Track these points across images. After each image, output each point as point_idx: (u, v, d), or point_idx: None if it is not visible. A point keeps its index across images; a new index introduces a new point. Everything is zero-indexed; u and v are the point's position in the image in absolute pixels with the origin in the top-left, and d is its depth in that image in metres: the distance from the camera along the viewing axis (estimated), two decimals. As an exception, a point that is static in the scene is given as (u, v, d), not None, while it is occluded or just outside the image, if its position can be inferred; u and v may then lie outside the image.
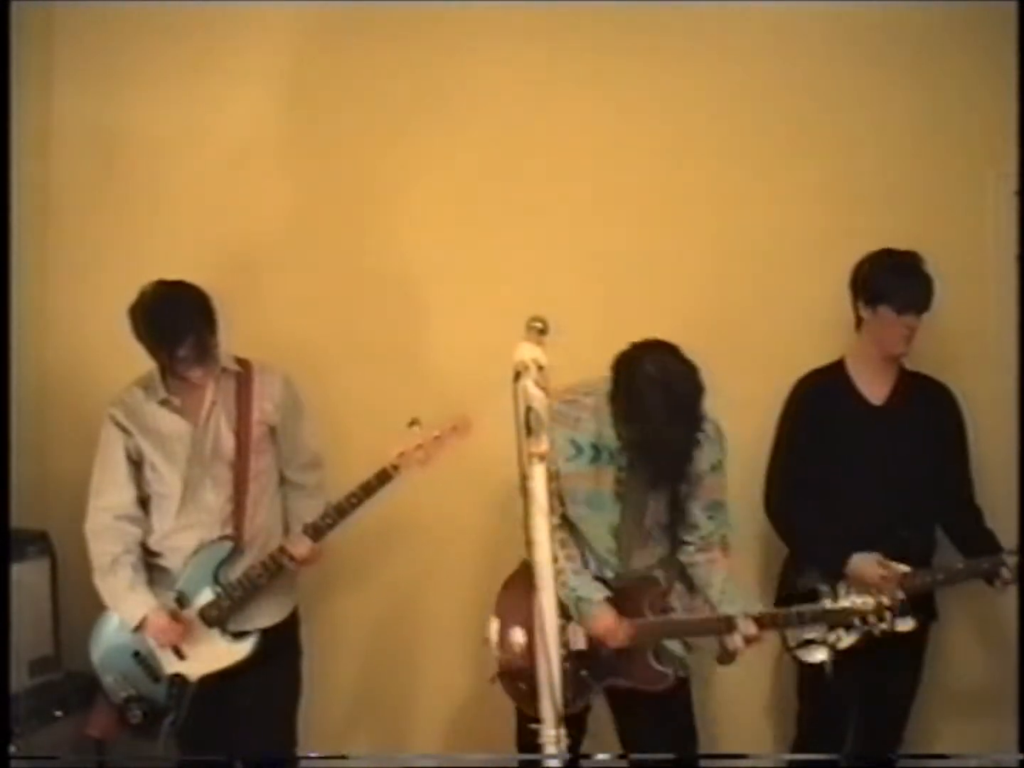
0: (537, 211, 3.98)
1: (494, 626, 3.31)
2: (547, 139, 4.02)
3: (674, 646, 3.31)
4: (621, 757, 3.39)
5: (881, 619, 3.11)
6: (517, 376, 2.33)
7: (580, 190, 4.00)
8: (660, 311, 3.99)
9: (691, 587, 3.37)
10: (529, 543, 2.36)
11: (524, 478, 3.14)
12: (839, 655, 3.34)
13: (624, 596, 3.26)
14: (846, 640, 3.33)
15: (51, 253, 4.20)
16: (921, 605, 3.43)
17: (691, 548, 3.33)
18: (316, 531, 3.41)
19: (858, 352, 3.62)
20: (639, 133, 4.02)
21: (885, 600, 3.11)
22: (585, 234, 3.94)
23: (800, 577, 3.53)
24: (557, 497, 3.02)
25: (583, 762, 3.20)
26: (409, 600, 4.02)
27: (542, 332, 2.46)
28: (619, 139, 4.02)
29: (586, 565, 3.31)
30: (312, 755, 3.63)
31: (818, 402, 3.57)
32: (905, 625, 3.32)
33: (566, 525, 3.22)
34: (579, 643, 3.24)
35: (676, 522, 3.28)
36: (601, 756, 3.35)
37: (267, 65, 4.13)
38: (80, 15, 4.17)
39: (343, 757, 3.71)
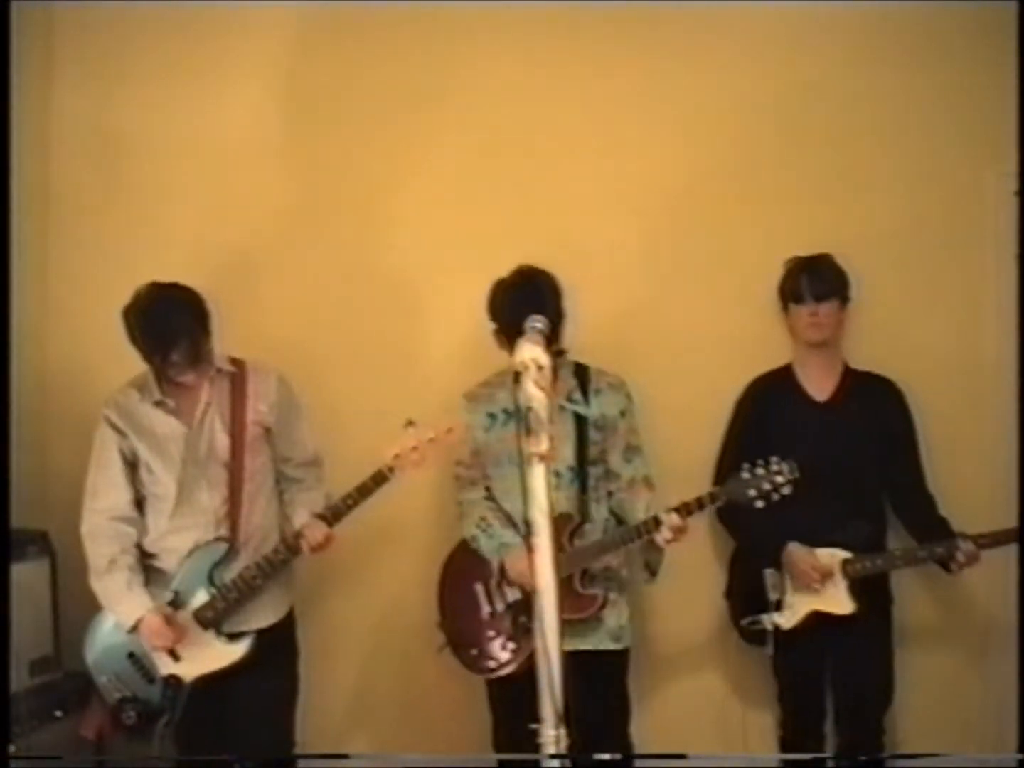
0: (535, 211, 3.98)
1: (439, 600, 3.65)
2: (546, 138, 4.02)
3: (611, 618, 3.50)
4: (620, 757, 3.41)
5: (774, 485, 3.28)
6: (517, 376, 2.33)
7: (579, 189, 4.00)
8: (660, 310, 3.99)
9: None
10: (529, 544, 2.35)
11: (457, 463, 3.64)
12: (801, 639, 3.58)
13: None
14: (790, 621, 3.59)
15: (51, 253, 4.19)
16: (874, 590, 3.64)
17: (617, 493, 3.57)
18: (334, 514, 3.41)
19: (796, 355, 3.83)
20: (639, 131, 4.02)
21: (774, 467, 3.29)
22: (583, 233, 3.94)
23: (745, 567, 3.73)
24: (480, 470, 3.52)
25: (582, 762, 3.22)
26: (406, 601, 4.01)
27: (542, 332, 2.46)
28: (619, 137, 4.01)
29: (511, 520, 3.51)
30: (310, 755, 3.64)
31: (764, 401, 3.80)
32: (844, 608, 3.58)
33: (491, 495, 3.57)
34: (514, 594, 3.49)
35: (583, 462, 3.52)
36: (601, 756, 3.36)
37: (266, 66, 4.13)
38: (80, 15, 4.17)
39: (342, 757, 3.71)
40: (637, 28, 3.99)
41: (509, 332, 3.21)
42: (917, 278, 3.93)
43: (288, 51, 4.13)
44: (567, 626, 3.15)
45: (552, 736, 2.30)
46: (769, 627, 3.57)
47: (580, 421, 3.52)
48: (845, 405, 3.73)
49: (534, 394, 2.29)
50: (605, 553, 3.46)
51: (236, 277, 3.99)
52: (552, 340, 3.27)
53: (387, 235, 4.09)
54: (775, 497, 3.30)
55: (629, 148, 4.02)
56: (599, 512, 3.54)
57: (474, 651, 3.53)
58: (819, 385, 3.77)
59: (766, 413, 3.75)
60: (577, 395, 3.54)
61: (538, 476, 2.30)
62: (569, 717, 3.17)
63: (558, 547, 3.27)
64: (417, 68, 4.06)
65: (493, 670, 3.49)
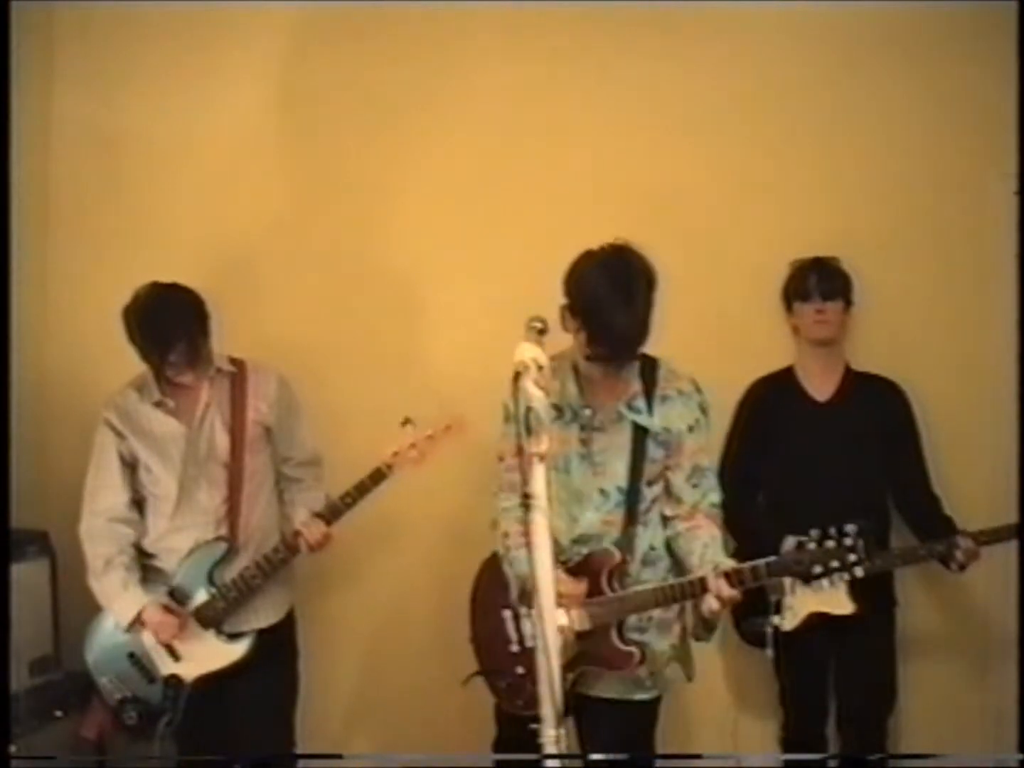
0: (535, 210, 3.98)
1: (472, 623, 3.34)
2: (546, 138, 4.02)
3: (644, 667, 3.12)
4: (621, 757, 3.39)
5: (843, 564, 2.87)
6: (517, 376, 2.32)
7: (578, 188, 4.00)
8: (662, 311, 3.98)
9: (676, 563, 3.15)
10: (529, 546, 2.34)
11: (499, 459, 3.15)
12: (801, 642, 3.54)
13: (579, 574, 3.03)
14: (791, 623, 3.56)
15: (51, 253, 4.20)
16: (878, 592, 3.62)
17: (675, 521, 3.11)
18: (333, 513, 3.40)
19: (799, 356, 3.84)
20: (640, 131, 4.02)
21: (848, 542, 2.87)
22: (583, 233, 3.94)
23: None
24: (520, 473, 2.94)
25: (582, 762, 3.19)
26: (406, 599, 4.02)
27: (542, 332, 2.46)
28: (619, 138, 4.01)
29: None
30: (310, 755, 3.64)
31: (765, 402, 3.80)
32: (844, 609, 3.54)
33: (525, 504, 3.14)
34: None
35: (636, 483, 3.06)
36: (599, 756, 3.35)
37: (266, 66, 4.14)
38: (80, 15, 4.18)
39: (342, 757, 3.71)
40: (637, 29, 3.99)
41: (589, 327, 2.88)
42: (917, 278, 3.93)
43: (288, 51, 4.13)
44: (594, 675, 3.01)
45: (552, 736, 2.29)
46: (768, 629, 3.56)
47: (640, 432, 3.06)
48: (845, 405, 3.75)
49: (534, 394, 2.29)
50: (642, 610, 3.06)
51: (236, 277, 3.99)
52: (638, 347, 2.95)
53: (387, 235, 4.09)
54: (844, 578, 2.93)
55: (629, 148, 4.02)
56: (644, 540, 3.10)
57: (504, 684, 3.21)
58: (820, 386, 3.79)
59: (767, 414, 3.77)
60: (640, 401, 3.07)
61: (538, 476, 2.30)
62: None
63: (596, 590, 3.02)
64: (417, 69, 4.06)
65: (522, 708, 3.10)
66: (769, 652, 3.53)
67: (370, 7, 4.04)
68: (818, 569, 2.89)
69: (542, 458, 2.28)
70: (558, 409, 3.04)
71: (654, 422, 3.06)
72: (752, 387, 3.85)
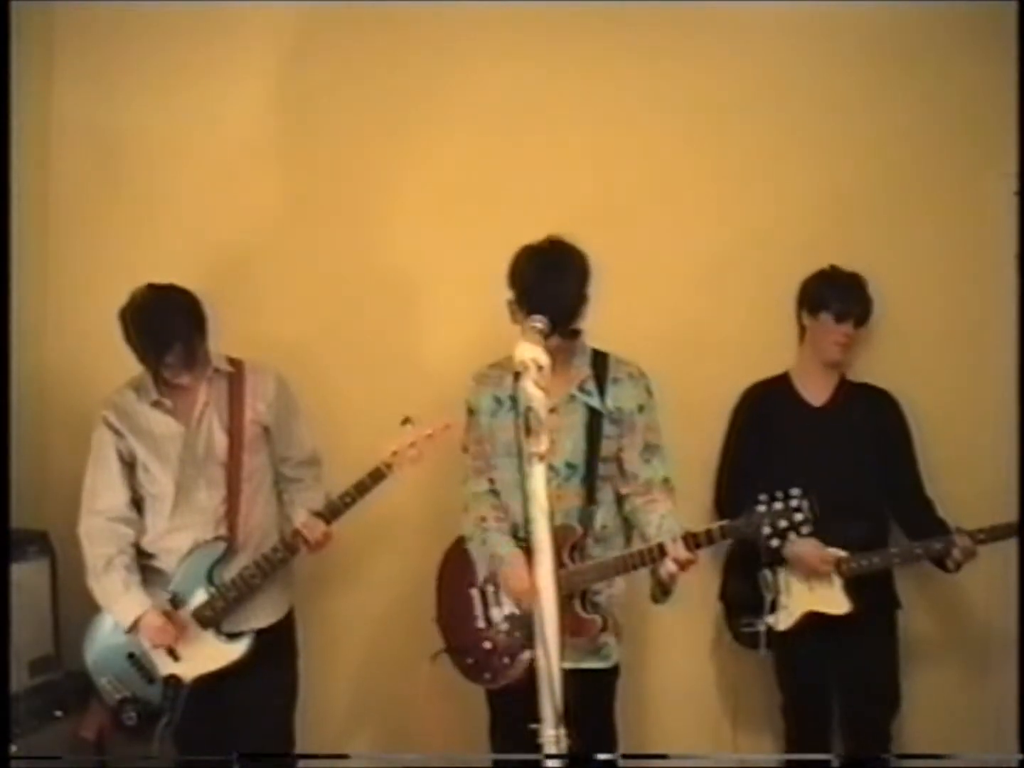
0: (535, 210, 3.97)
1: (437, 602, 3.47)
2: (546, 137, 4.02)
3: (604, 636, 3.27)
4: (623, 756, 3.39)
5: (791, 523, 3.05)
6: (516, 376, 2.32)
7: (578, 188, 4.00)
8: (663, 312, 3.99)
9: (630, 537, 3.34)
10: (530, 544, 2.34)
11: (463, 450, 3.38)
12: (805, 644, 3.57)
13: None
14: (786, 623, 3.57)
15: (51, 253, 4.19)
16: (879, 595, 3.64)
17: (632, 497, 3.31)
18: (332, 512, 3.40)
19: (800, 361, 3.86)
20: (640, 132, 4.02)
21: (794, 503, 3.06)
22: (582, 233, 3.94)
23: (741, 568, 3.71)
24: (484, 459, 3.38)
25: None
26: (406, 599, 4.01)
27: (542, 332, 2.46)
28: (618, 138, 4.01)
29: (511, 520, 3.35)
30: (310, 755, 3.64)
31: (762, 405, 3.81)
32: (840, 608, 3.55)
33: (495, 488, 3.38)
34: (511, 607, 3.34)
35: (592, 464, 3.27)
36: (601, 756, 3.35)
37: (265, 66, 4.13)
38: (80, 15, 4.17)
39: (342, 757, 3.71)
40: (636, 29, 3.99)
41: (524, 301, 3.09)
42: (917, 279, 3.93)
43: (287, 52, 4.13)
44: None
45: (552, 736, 2.29)
46: (762, 628, 3.55)
47: (592, 414, 3.27)
48: (840, 410, 3.76)
49: (534, 394, 2.29)
50: (604, 578, 3.25)
51: (235, 277, 3.99)
52: (569, 320, 3.14)
53: (385, 235, 4.09)
54: (791, 537, 3.10)
55: (629, 149, 4.02)
56: (598, 518, 3.29)
57: (470, 660, 3.38)
58: (816, 392, 3.80)
59: (762, 418, 3.78)
60: (591, 385, 3.29)
61: (538, 475, 2.30)
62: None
63: (558, 563, 3.01)
64: (416, 69, 4.06)
65: (489, 682, 3.36)
66: (762, 652, 3.52)
67: (370, 7, 4.04)
68: (767, 530, 3.07)
69: (542, 458, 2.29)
70: (514, 400, 3.25)
71: (606, 403, 3.28)
72: (748, 391, 3.86)
